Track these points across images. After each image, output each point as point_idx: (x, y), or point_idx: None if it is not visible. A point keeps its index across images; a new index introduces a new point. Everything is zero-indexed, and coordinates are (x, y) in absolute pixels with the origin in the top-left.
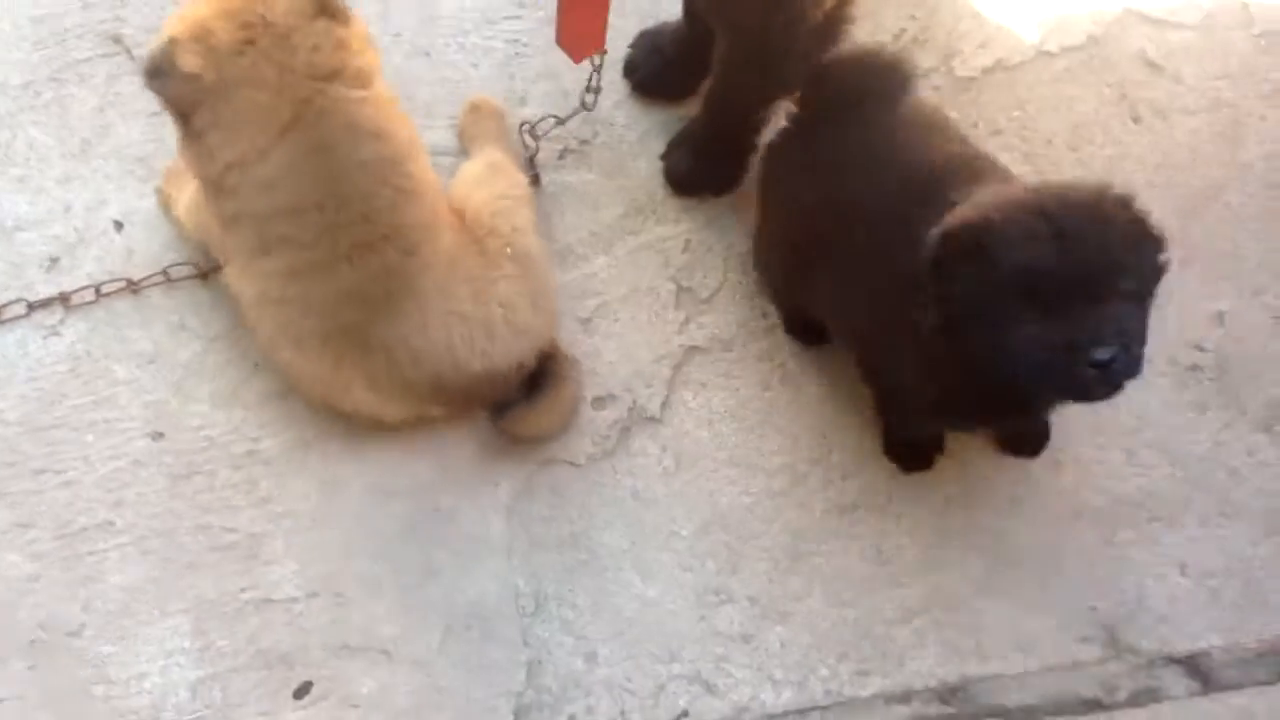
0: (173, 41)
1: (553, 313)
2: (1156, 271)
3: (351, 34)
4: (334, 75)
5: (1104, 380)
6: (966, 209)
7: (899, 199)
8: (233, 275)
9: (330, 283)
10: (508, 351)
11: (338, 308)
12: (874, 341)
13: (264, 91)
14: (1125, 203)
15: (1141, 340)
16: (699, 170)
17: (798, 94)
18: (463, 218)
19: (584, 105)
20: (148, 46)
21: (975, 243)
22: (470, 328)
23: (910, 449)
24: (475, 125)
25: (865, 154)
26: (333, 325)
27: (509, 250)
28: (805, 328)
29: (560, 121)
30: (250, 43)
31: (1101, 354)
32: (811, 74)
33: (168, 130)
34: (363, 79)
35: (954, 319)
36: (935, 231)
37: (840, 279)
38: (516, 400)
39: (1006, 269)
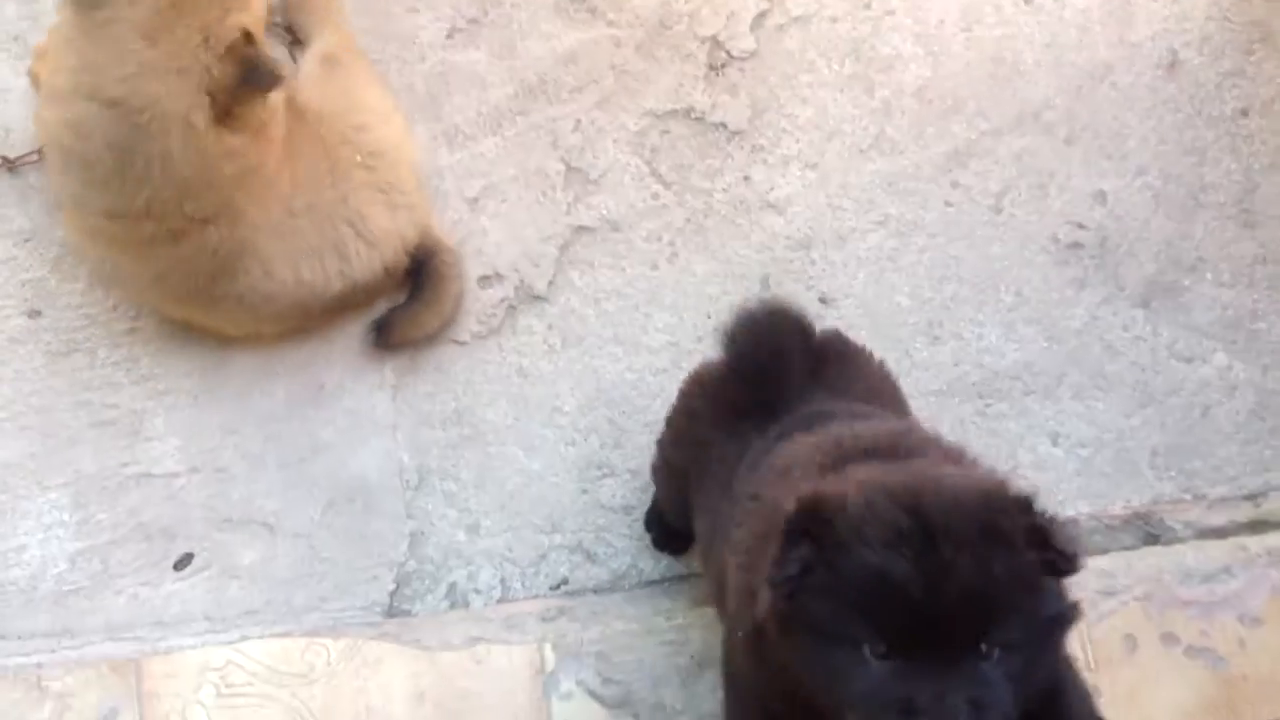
0: None
1: (417, 207)
2: (1057, 619)
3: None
4: None
5: None
6: (828, 481)
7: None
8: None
9: (151, 263)
10: (368, 263)
11: (166, 278)
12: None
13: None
14: (1024, 508)
15: (1005, 707)
16: None
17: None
18: (318, 126)
19: None
20: None
21: (823, 521)
22: (320, 258)
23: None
24: (300, 8)
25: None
26: (169, 289)
27: (358, 158)
28: (668, 534)
29: None
30: None
31: None
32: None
33: (43, 8)
34: None
35: (785, 616)
36: (788, 502)
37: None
38: (392, 312)
39: (849, 567)
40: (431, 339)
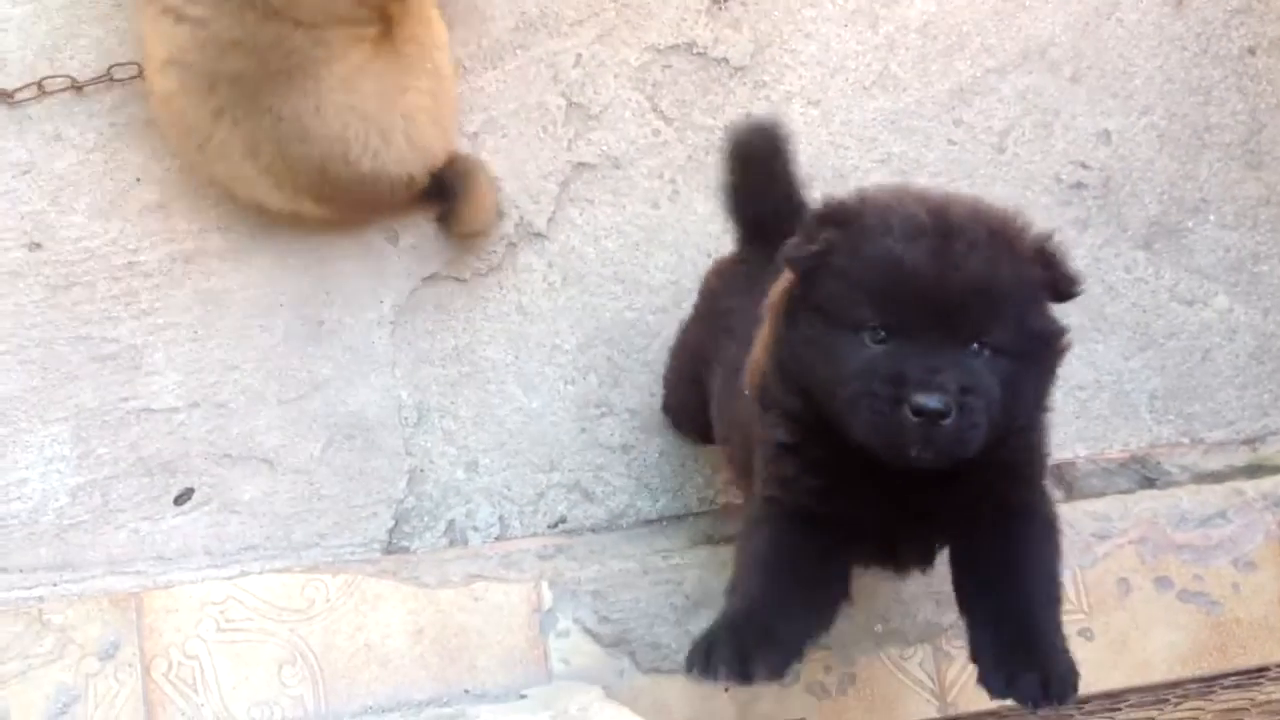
0: None
1: (450, 133)
2: (1045, 334)
3: None
4: None
5: (923, 435)
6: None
7: None
8: None
9: (229, 26)
10: (401, 159)
11: (231, 51)
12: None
13: None
14: (1040, 241)
15: (992, 407)
16: None
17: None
18: (406, 26)
19: None
20: None
21: (850, 212)
22: (368, 127)
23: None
24: None
25: None
26: (224, 68)
27: (429, 66)
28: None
29: None
30: None
31: (926, 400)
32: None
33: None
34: None
35: (798, 299)
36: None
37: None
38: (450, 202)
39: (869, 252)
40: (431, 276)
